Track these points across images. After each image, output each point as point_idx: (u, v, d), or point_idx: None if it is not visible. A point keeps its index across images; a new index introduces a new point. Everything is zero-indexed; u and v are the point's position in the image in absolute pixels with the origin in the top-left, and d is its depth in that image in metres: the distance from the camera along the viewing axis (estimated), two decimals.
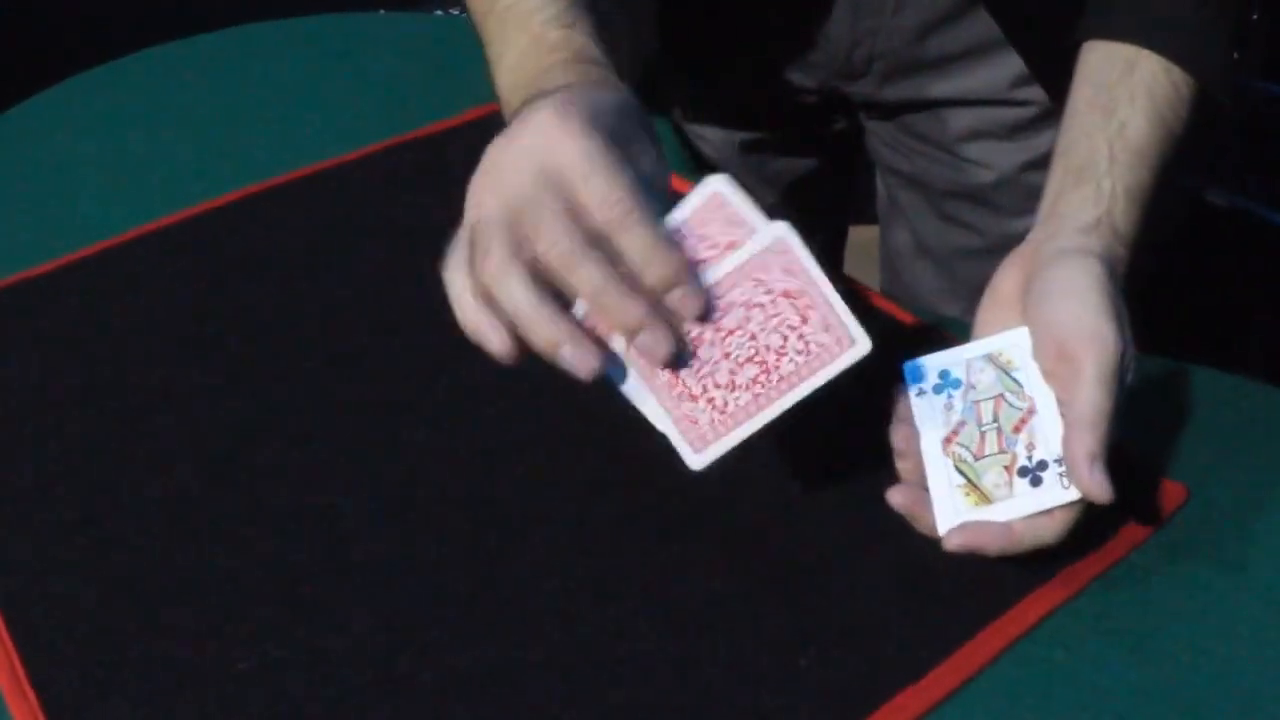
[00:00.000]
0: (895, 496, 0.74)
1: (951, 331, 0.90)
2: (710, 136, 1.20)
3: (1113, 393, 0.71)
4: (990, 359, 0.76)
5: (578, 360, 0.68)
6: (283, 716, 0.69)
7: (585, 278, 0.67)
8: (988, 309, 0.79)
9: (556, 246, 0.67)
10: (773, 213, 1.23)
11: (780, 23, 1.10)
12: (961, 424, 0.75)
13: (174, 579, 0.76)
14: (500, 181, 0.69)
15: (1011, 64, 1.07)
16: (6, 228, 1.06)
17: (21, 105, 1.23)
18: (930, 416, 0.76)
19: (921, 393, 0.77)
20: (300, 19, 1.34)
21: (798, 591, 0.74)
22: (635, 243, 0.68)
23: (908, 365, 0.78)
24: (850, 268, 1.22)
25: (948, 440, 0.75)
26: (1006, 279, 0.78)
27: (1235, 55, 0.84)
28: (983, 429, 0.75)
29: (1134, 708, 0.69)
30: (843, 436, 0.81)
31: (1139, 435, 0.82)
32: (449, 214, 1.02)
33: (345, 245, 1.01)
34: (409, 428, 0.85)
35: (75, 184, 1.11)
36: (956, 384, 0.77)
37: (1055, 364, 0.73)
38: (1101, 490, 0.70)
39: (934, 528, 0.73)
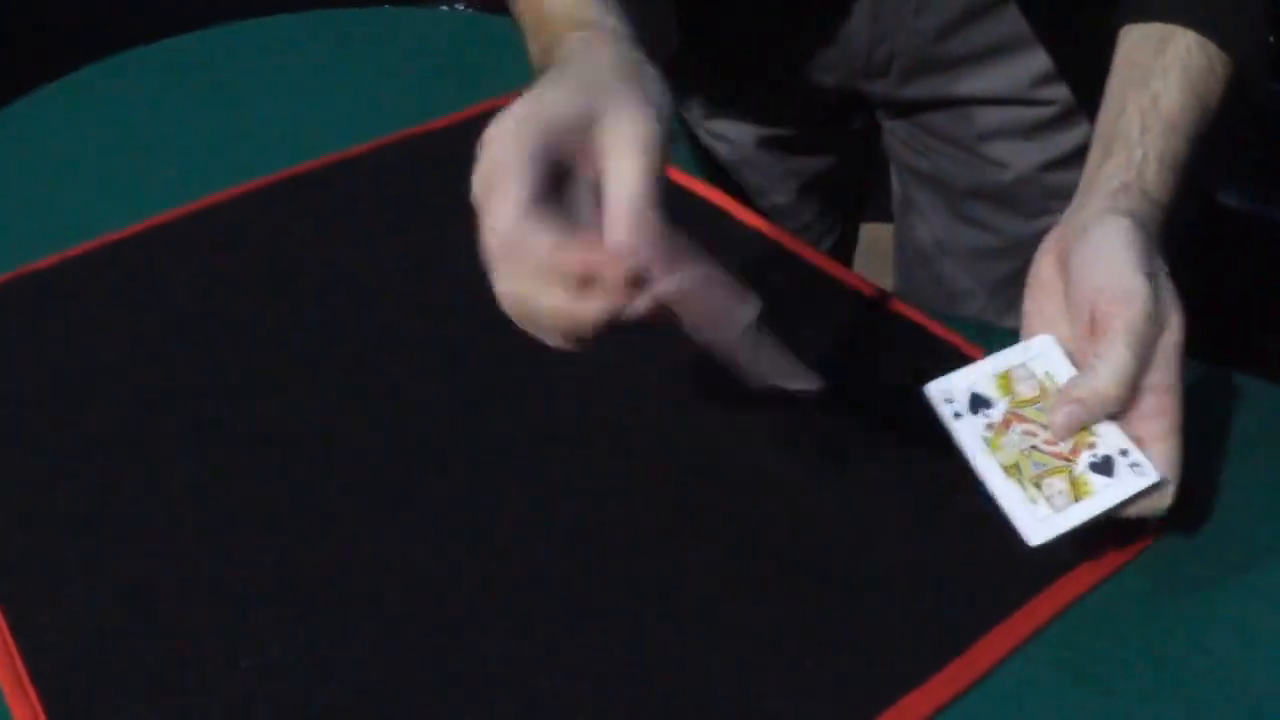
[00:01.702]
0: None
1: (967, 333, 0.89)
2: (727, 134, 1.20)
3: (1138, 351, 0.71)
4: (1025, 368, 0.76)
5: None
6: (286, 715, 0.68)
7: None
8: (1031, 298, 0.78)
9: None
10: (788, 210, 1.23)
11: (801, 21, 1.09)
12: (1011, 440, 0.74)
13: (176, 577, 0.76)
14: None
15: (1033, 63, 1.07)
16: (11, 221, 1.06)
17: (22, 100, 1.23)
18: (974, 438, 0.75)
19: (958, 415, 0.76)
20: (305, 14, 1.34)
21: (804, 593, 0.73)
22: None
23: (933, 388, 0.77)
24: (862, 265, 1.22)
25: (1003, 459, 0.74)
26: (1044, 263, 0.78)
27: (1272, 38, 0.84)
28: (1035, 443, 0.74)
29: (1141, 710, 0.68)
30: (849, 439, 0.80)
31: None
32: (454, 209, 1.03)
33: (350, 241, 1.01)
34: (415, 426, 0.84)
35: (82, 177, 1.11)
36: (988, 401, 0.76)
37: (1089, 328, 0.73)
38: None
39: None
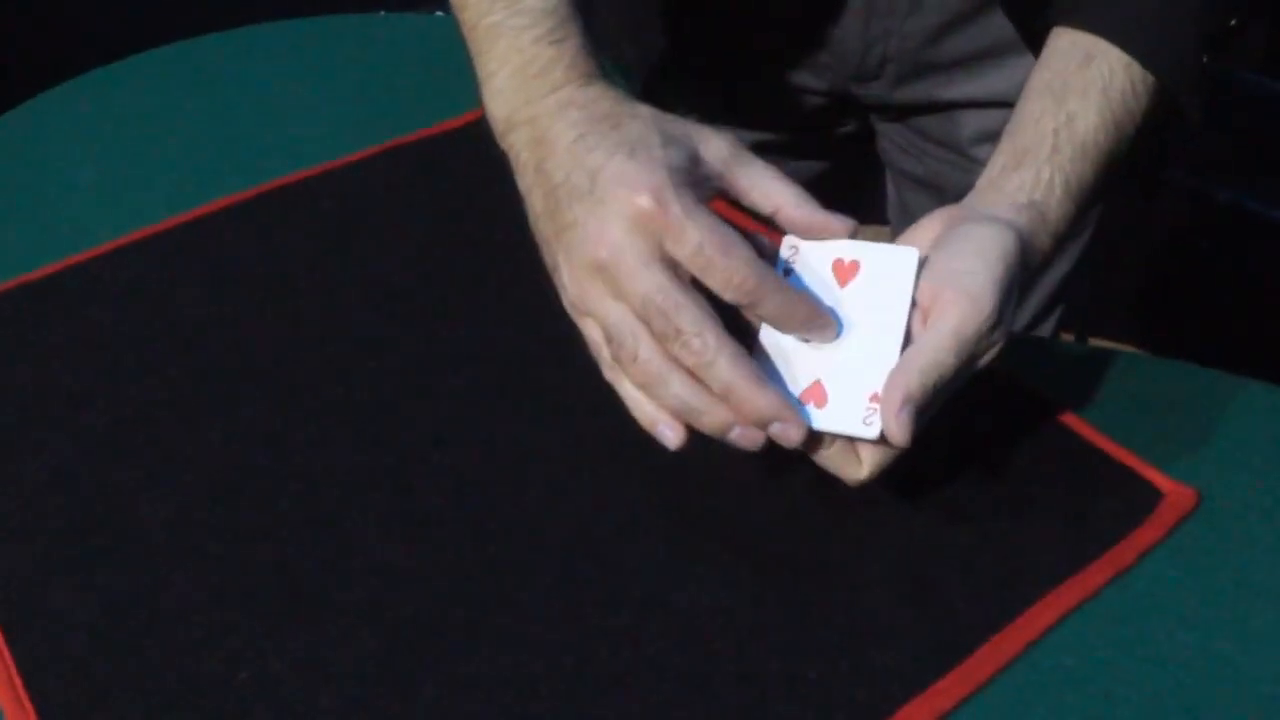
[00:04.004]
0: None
1: None
2: None
3: (961, 356, 0.70)
4: (871, 266, 0.75)
5: (747, 439, 0.71)
6: None
7: (715, 377, 0.69)
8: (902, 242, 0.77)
9: (693, 354, 0.69)
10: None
11: (792, 25, 1.09)
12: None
13: (173, 588, 0.75)
14: (615, 282, 0.71)
15: (1026, 66, 1.05)
16: (5, 230, 1.06)
17: (19, 109, 1.23)
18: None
19: (787, 273, 0.76)
20: (302, 20, 1.34)
21: (805, 601, 0.73)
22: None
23: (786, 242, 0.77)
24: None
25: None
26: (931, 223, 0.77)
27: (1205, 58, 0.83)
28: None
29: (1146, 715, 0.68)
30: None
31: (1149, 439, 0.82)
32: (449, 215, 1.03)
33: (345, 248, 1.00)
34: (410, 436, 0.84)
35: (74, 188, 1.10)
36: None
37: (925, 304, 0.72)
38: (901, 433, 0.69)
39: (806, 446, 0.72)
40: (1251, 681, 0.69)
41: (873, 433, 0.70)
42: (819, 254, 0.76)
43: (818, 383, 0.72)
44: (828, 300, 0.74)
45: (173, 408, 0.87)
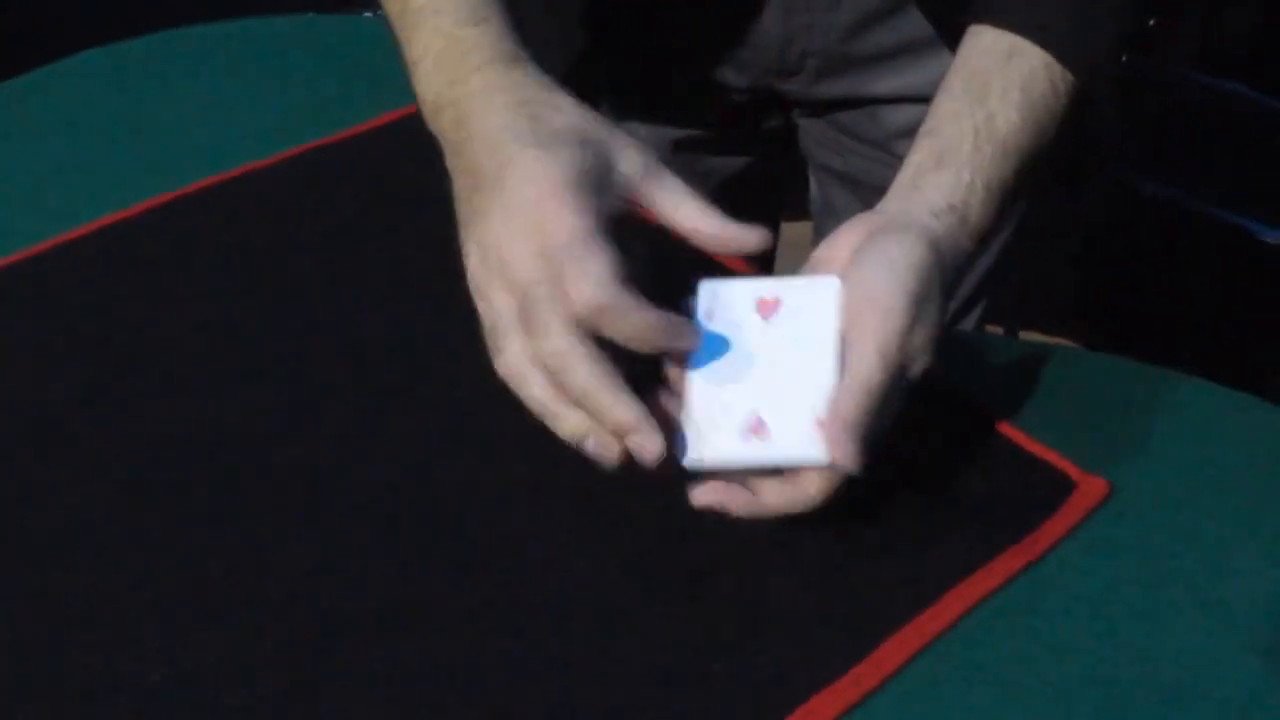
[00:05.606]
0: (702, 497, 0.72)
1: None
2: (641, 134, 1.19)
3: (889, 371, 0.70)
4: (792, 299, 0.75)
5: (604, 449, 0.70)
6: None
7: (572, 381, 0.69)
8: (821, 257, 0.77)
9: (554, 353, 0.69)
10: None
11: (711, 20, 1.09)
12: (737, 359, 0.74)
13: (82, 589, 0.75)
14: (503, 274, 0.71)
15: (946, 62, 1.06)
16: None
17: None
18: (710, 347, 0.74)
19: (709, 316, 0.75)
20: (230, 22, 1.33)
21: (710, 593, 0.74)
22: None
23: (703, 286, 0.76)
24: (783, 265, 1.22)
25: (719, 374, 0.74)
26: (849, 232, 0.77)
27: (1123, 57, 0.84)
28: (757, 368, 0.73)
29: (1055, 706, 0.68)
30: None
31: (1061, 429, 0.82)
32: (376, 214, 1.02)
33: (266, 249, 1.00)
34: (324, 434, 0.84)
35: (13, 186, 1.09)
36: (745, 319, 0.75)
37: (843, 328, 0.72)
38: (846, 456, 0.69)
39: (747, 505, 0.72)
40: (1159, 670, 0.70)
41: (823, 455, 0.70)
42: (738, 293, 0.75)
43: (758, 418, 0.72)
44: (754, 338, 0.74)
45: (84, 407, 0.86)
